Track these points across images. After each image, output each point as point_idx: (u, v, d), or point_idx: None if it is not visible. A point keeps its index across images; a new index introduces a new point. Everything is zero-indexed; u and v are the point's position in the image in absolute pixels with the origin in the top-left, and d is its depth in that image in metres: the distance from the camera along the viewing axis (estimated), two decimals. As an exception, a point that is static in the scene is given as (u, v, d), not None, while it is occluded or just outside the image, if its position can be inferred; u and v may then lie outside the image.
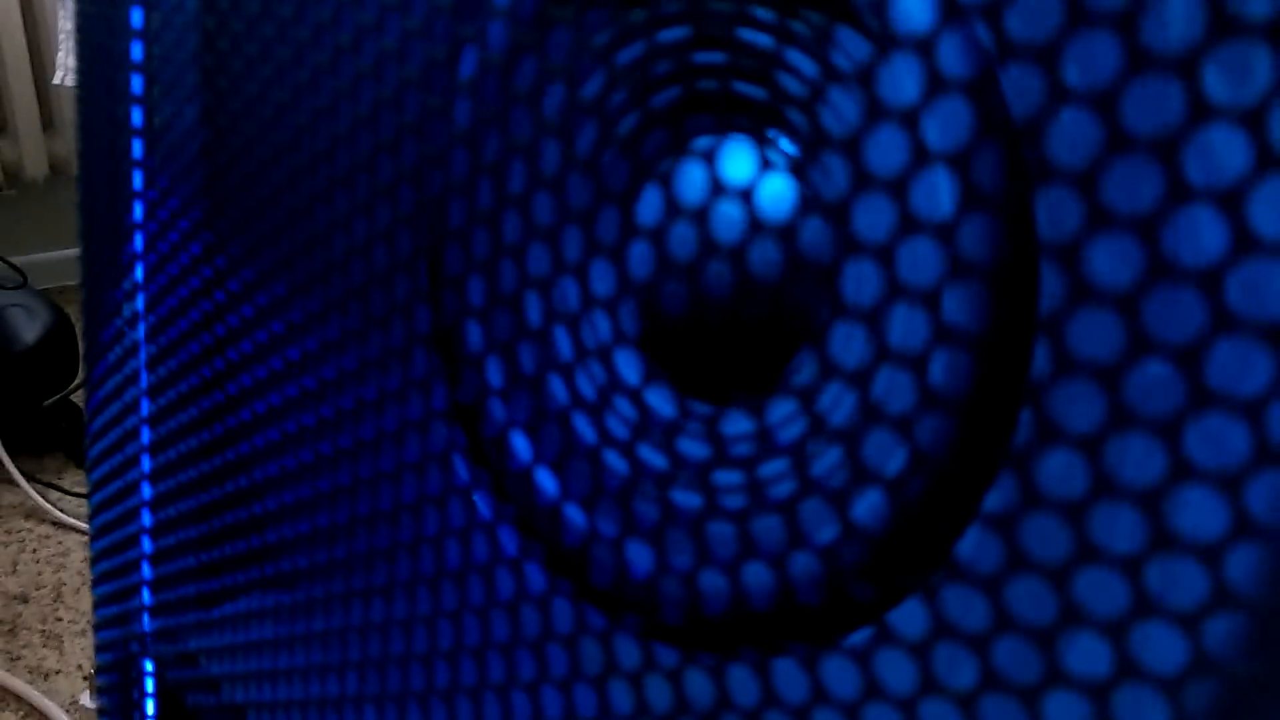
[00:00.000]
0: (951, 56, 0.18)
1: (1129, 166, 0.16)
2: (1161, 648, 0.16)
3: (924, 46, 0.18)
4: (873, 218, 0.19)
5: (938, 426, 0.19)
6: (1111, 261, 0.16)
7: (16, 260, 1.52)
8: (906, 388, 0.19)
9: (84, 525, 1.26)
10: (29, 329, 1.37)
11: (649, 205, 0.24)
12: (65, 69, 1.39)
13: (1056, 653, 0.17)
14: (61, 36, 1.39)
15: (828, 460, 0.21)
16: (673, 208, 0.23)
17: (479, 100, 0.27)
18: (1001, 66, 0.17)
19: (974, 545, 0.18)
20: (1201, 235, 0.15)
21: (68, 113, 1.75)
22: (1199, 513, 0.15)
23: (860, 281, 0.20)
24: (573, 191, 0.25)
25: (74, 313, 1.48)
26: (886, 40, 0.19)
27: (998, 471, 0.18)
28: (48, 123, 1.76)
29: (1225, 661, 0.15)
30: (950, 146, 0.18)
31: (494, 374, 0.26)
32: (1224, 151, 0.15)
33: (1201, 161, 0.15)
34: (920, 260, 0.19)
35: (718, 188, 0.23)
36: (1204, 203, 0.15)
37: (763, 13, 0.23)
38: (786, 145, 0.23)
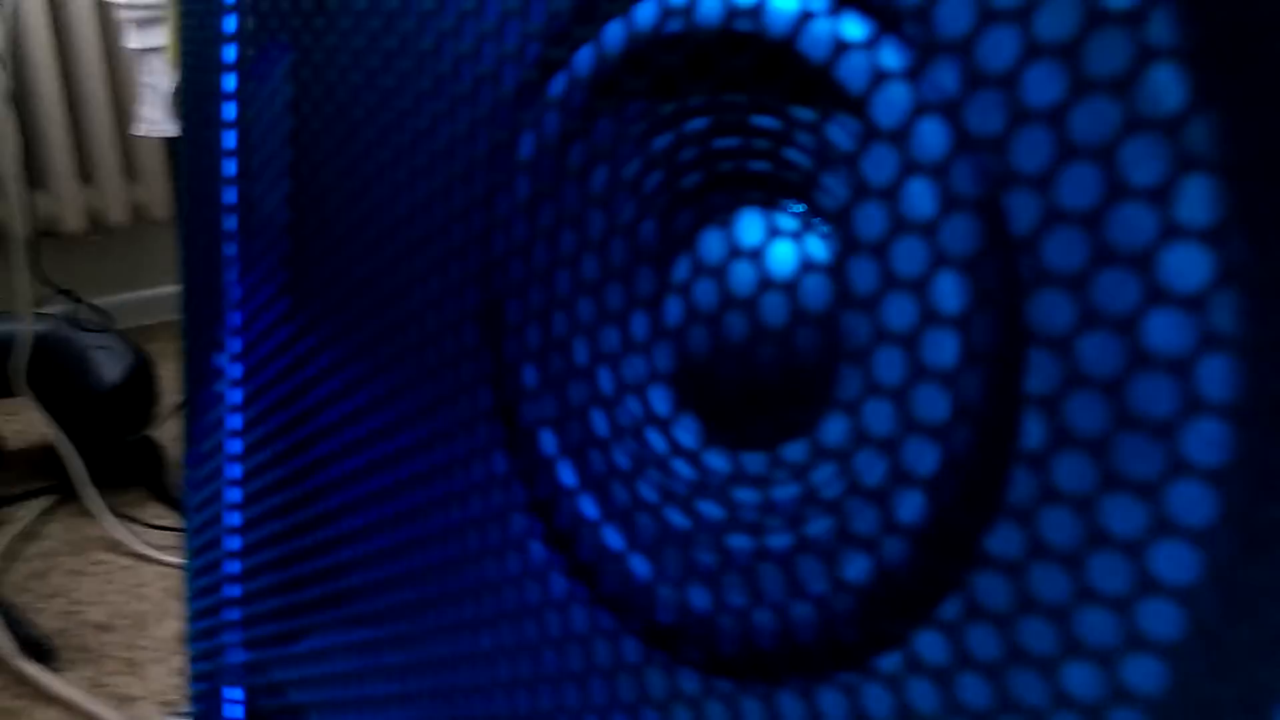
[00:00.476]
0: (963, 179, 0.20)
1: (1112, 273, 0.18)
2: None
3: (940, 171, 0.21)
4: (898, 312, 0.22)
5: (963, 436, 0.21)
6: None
7: (100, 302, 1.60)
8: (939, 398, 0.22)
9: (164, 557, 1.30)
10: (113, 369, 1.42)
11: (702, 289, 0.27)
12: (147, 120, 1.46)
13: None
14: (143, 90, 1.46)
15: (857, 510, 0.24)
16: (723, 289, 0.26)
17: (536, 176, 0.30)
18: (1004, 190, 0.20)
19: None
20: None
21: (148, 161, 1.83)
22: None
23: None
24: (618, 263, 0.28)
25: (154, 350, 1.55)
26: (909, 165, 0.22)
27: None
28: (130, 171, 1.84)
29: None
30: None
31: (549, 443, 0.29)
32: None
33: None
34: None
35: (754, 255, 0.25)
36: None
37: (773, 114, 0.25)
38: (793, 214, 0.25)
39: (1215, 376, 0.17)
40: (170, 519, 1.36)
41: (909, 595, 0.22)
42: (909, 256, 0.21)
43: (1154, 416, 0.17)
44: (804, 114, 0.25)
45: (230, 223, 0.43)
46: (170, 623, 1.20)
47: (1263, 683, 0.17)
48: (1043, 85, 0.19)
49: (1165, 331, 0.17)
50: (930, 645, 0.21)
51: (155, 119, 1.43)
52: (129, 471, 1.43)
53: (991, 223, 0.20)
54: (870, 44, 0.22)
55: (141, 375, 1.44)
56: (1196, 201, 0.17)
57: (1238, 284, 0.17)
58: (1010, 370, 0.20)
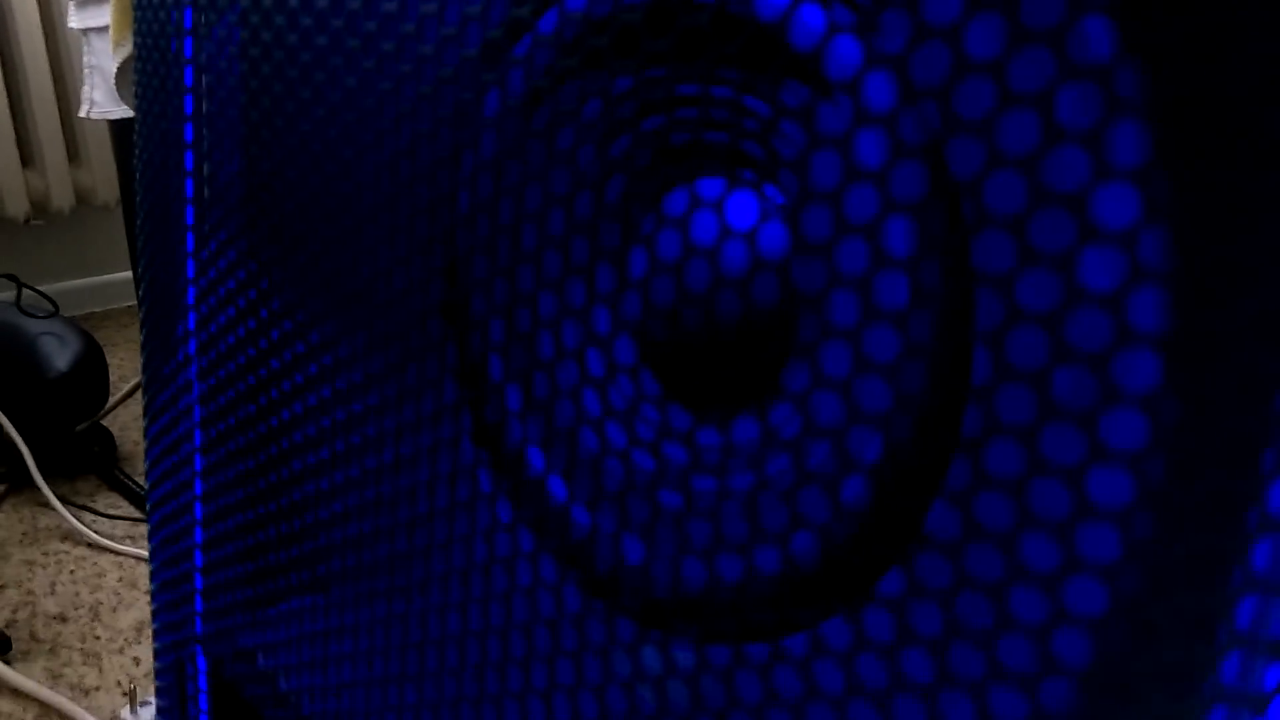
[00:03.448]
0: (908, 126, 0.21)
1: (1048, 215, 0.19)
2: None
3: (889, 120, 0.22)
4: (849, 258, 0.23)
5: (903, 422, 0.23)
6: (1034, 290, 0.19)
7: (46, 289, 1.57)
8: (882, 390, 0.23)
9: (118, 546, 1.29)
10: (61, 356, 1.41)
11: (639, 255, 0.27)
12: (90, 102, 1.43)
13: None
14: (86, 71, 1.43)
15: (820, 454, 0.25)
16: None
17: (501, 134, 0.30)
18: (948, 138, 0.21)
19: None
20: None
21: (92, 145, 1.80)
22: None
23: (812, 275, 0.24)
24: (579, 209, 0.29)
25: (102, 338, 1.52)
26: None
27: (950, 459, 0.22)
28: (73, 154, 1.81)
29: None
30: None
31: (514, 398, 0.29)
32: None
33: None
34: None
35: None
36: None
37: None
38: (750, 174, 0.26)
39: (1145, 308, 0.18)
40: (124, 508, 1.35)
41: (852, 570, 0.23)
42: (861, 203, 0.22)
43: (1088, 350, 0.18)
44: (758, 81, 0.26)
45: (187, 189, 0.43)
46: (127, 612, 1.19)
47: (1185, 660, 0.18)
48: (983, 39, 0.19)
49: (1098, 268, 0.18)
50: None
51: (99, 101, 1.41)
52: (80, 460, 1.42)
53: (936, 169, 0.21)
54: (824, 3, 0.23)
55: (90, 362, 1.42)
56: (1125, 144, 0.18)
57: (1164, 220, 0.18)
58: (959, 311, 0.21)
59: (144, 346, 0.48)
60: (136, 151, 0.47)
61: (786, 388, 0.26)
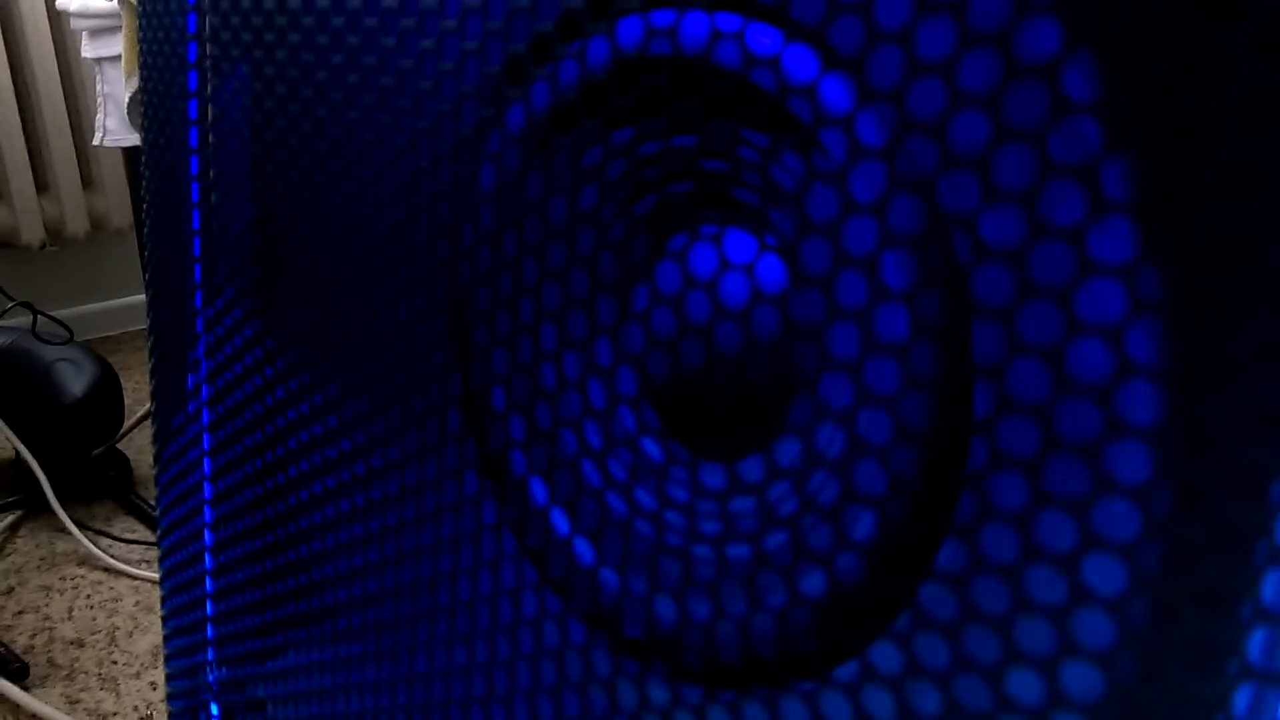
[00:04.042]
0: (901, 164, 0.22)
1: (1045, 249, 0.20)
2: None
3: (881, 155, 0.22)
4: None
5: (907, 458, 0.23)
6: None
7: (61, 314, 1.58)
8: (884, 423, 0.23)
9: (135, 570, 1.29)
10: (77, 382, 1.42)
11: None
12: (104, 130, 1.45)
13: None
14: (100, 99, 1.45)
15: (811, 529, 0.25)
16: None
17: (498, 207, 0.31)
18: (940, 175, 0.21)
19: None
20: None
21: (107, 172, 1.82)
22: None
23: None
24: (575, 283, 0.29)
25: (117, 362, 1.53)
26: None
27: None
28: (87, 181, 1.83)
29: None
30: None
31: (538, 491, 0.30)
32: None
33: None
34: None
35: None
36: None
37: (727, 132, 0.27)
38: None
39: (1143, 345, 0.18)
40: (140, 532, 1.35)
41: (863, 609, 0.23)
42: (859, 237, 0.22)
43: (1089, 380, 0.19)
44: (755, 139, 0.26)
45: (195, 247, 0.43)
46: (144, 637, 1.20)
47: (1198, 694, 0.18)
48: (976, 72, 0.20)
49: (1096, 304, 0.19)
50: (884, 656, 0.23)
51: (113, 129, 1.42)
52: (97, 485, 1.43)
53: (930, 205, 0.21)
54: (817, 78, 0.23)
55: (106, 387, 1.43)
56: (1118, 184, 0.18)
57: (1158, 257, 0.18)
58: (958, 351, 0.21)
59: (154, 394, 0.49)
60: (145, 218, 0.48)
61: (790, 423, 0.26)
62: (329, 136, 0.35)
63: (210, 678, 0.44)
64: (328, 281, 0.36)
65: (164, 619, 0.48)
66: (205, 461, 0.43)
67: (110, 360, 1.50)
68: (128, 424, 1.50)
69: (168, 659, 0.48)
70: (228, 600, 0.42)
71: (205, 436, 0.42)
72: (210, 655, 0.44)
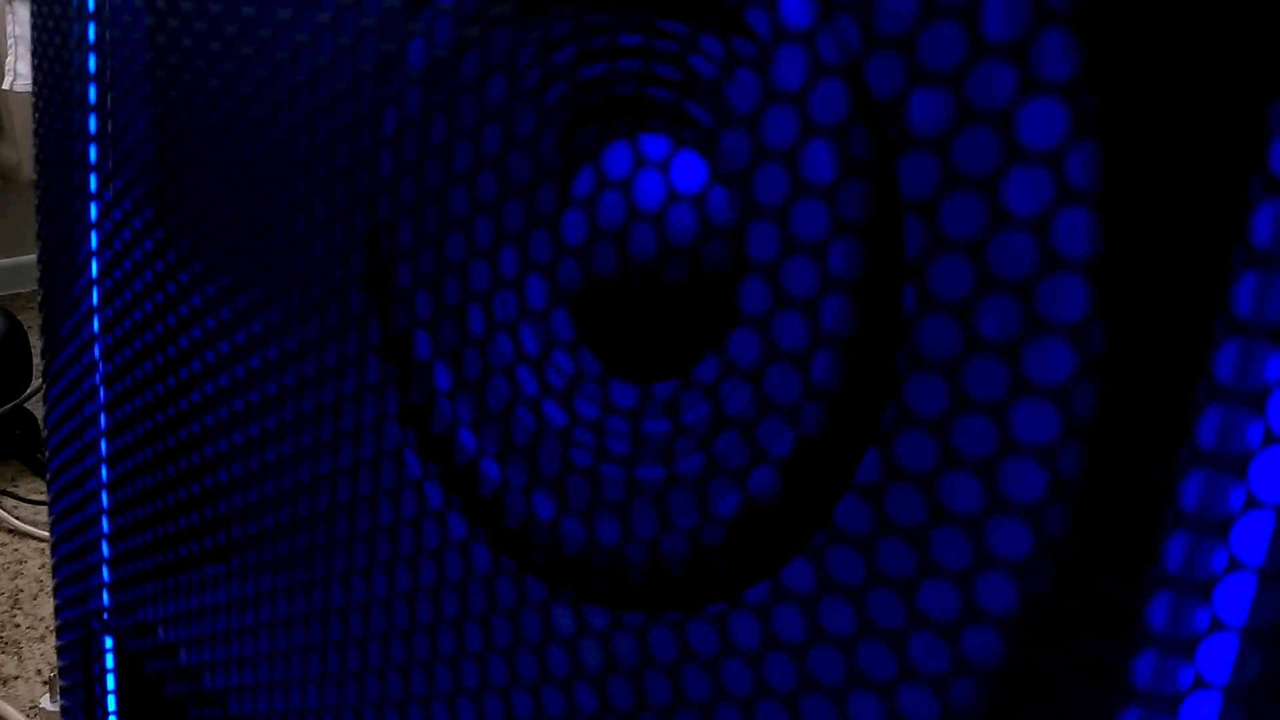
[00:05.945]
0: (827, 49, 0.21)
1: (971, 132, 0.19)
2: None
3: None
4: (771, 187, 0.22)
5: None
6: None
7: (-33, 269, 1.52)
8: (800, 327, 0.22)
9: (41, 532, 1.26)
10: (-19, 337, 1.37)
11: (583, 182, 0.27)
12: (14, 73, 1.39)
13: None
14: (11, 41, 1.39)
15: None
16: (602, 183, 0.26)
17: (427, 89, 0.29)
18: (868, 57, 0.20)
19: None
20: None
21: (18, 119, 1.74)
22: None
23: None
24: (513, 170, 0.28)
25: (26, 320, 1.48)
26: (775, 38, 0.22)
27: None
28: (-3, 130, 1.75)
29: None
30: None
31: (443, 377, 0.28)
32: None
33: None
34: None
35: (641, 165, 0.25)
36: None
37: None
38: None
39: (1073, 231, 0.18)
40: (46, 493, 1.31)
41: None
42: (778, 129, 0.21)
43: (1013, 276, 0.18)
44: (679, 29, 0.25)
45: (91, 154, 0.41)
46: (48, 600, 1.16)
47: (1114, 603, 0.18)
48: None
49: (1023, 190, 0.18)
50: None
51: (24, 73, 1.36)
52: (2, 444, 1.38)
53: (857, 90, 0.20)
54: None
55: (13, 344, 1.38)
56: (1054, 59, 0.18)
57: (1091, 137, 0.17)
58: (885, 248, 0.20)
59: (44, 324, 0.46)
60: (35, 117, 0.45)
61: (710, 343, 0.25)
62: (239, 16, 0.33)
63: (103, 602, 0.42)
64: (237, 181, 0.34)
65: (54, 545, 0.46)
66: (99, 365, 0.41)
67: (20, 317, 1.45)
68: (35, 383, 1.45)
69: (57, 589, 0.46)
70: (122, 516, 0.40)
71: (100, 365, 0.40)
72: (104, 577, 0.42)
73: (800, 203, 0.21)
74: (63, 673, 0.47)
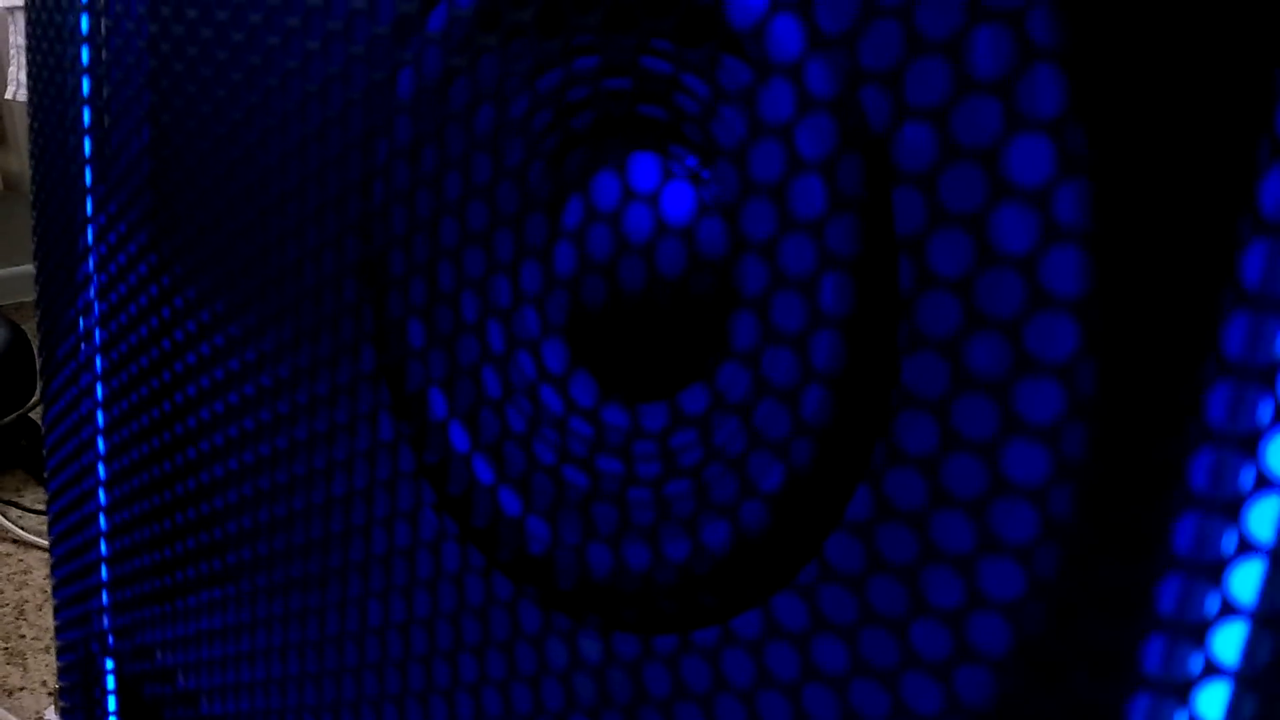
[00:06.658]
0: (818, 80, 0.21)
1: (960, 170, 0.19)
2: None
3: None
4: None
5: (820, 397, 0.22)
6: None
7: (-30, 278, 1.52)
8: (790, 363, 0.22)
9: (45, 542, 1.26)
10: (-15, 347, 1.37)
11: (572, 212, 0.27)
12: (18, 83, 1.39)
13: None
14: (14, 51, 1.39)
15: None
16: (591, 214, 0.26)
17: (417, 118, 0.29)
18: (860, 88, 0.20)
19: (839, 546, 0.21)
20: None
21: (21, 128, 1.75)
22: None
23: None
24: (503, 200, 0.28)
25: (30, 330, 1.48)
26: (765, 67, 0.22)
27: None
28: (1, 138, 1.75)
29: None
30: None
31: (439, 406, 0.28)
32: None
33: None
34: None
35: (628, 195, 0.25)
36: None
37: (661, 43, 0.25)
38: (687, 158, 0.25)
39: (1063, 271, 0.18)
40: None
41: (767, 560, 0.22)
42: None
43: (1003, 314, 0.18)
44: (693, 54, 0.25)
45: (86, 177, 0.41)
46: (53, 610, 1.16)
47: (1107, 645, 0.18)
48: None
49: (1012, 227, 0.18)
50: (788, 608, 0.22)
51: (27, 82, 1.37)
52: (6, 454, 1.38)
53: (849, 122, 0.20)
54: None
55: (16, 353, 1.38)
56: (1042, 95, 0.18)
57: (1080, 174, 0.17)
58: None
59: (41, 345, 0.46)
60: (31, 139, 0.45)
61: (704, 365, 0.25)
62: (230, 43, 0.33)
63: (103, 625, 0.42)
64: (231, 208, 0.34)
65: (53, 566, 0.46)
66: (98, 387, 0.40)
67: (24, 327, 1.45)
68: (40, 392, 1.45)
69: (57, 610, 0.46)
70: (121, 539, 0.40)
71: (99, 386, 0.40)
72: (103, 600, 0.42)
73: (790, 237, 0.21)
74: (63, 693, 0.47)
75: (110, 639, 0.42)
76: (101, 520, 0.41)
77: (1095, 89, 0.18)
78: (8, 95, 1.36)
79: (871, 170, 0.21)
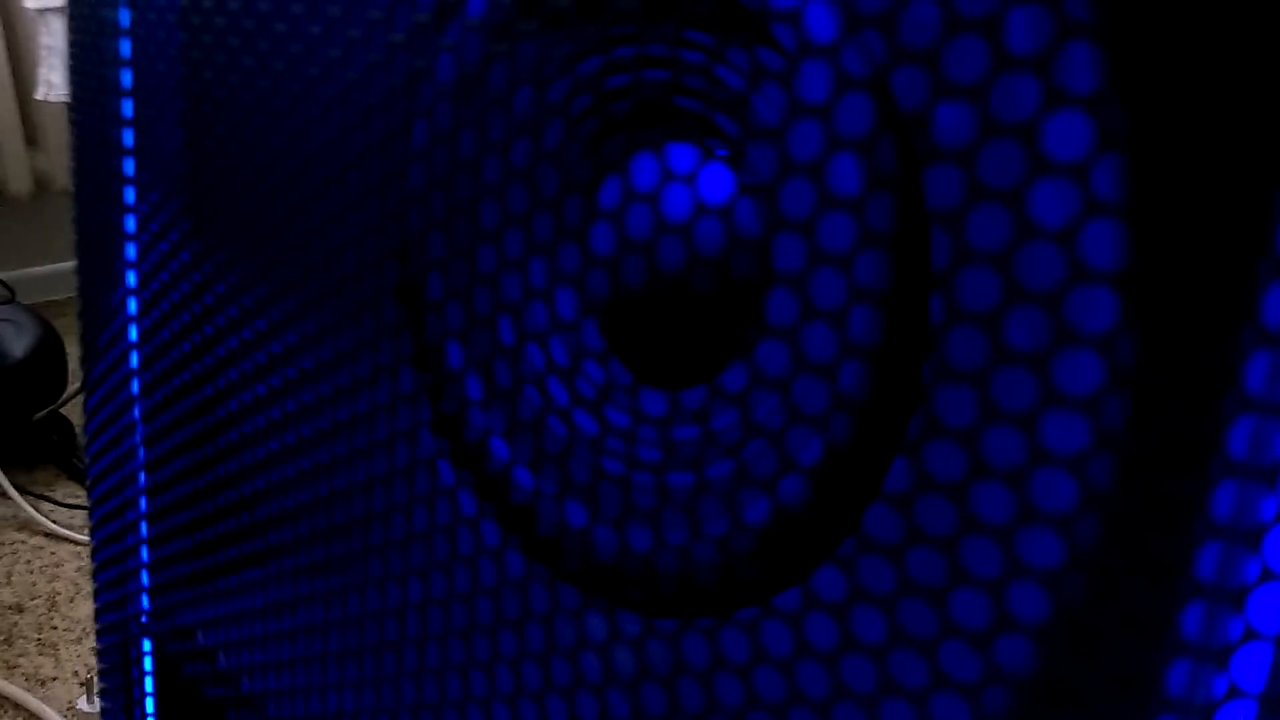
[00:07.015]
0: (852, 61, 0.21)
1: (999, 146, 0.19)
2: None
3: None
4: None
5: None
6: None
7: (3, 276, 1.54)
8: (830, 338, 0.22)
9: (77, 536, 1.27)
10: (17, 344, 1.39)
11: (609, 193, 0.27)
12: (48, 84, 1.41)
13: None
14: (44, 52, 1.41)
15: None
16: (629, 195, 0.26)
17: (455, 104, 0.29)
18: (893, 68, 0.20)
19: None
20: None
21: (51, 128, 1.76)
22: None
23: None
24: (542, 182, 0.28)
25: (61, 326, 1.50)
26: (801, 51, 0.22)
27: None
28: (31, 138, 1.77)
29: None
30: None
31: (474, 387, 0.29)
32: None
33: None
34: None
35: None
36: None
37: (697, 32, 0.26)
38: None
39: (1101, 244, 0.18)
40: (82, 497, 1.33)
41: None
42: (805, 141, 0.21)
43: (1041, 288, 0.18)
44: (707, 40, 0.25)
45: (127, 167, 0.42)
46: (85, 602, 1.18)
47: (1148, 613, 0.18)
48: None
49: (1050, 202, 0.18)
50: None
51: (57, 83, 1.38)
52: (38, 449, 1.40)
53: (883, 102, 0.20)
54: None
55: (48, 350, 1.40)
56: (1078, 71, 0.18)
57: (1117, 149, 0.17)
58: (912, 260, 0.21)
59: (82, 334, 0.47)
60: (71, 131, 0.46)
61: (737, 348, 0.25)
62: (270, 31, 0.34)
63: (143, 606, 0.43)
64: (269, 197, 0.35)
65: (94, 550, 0.47)
66: (136, 377, 0.41)
67: (54, 323, 1.47)
68: (71, 387, 1.47)
69: (97, 593, 0.47)
70: (161, 521, 0.41)
71: (137, 375, 0.41)
72: (143, 581, 0.43)
73: (827, 215, 0.21)
74: (102, 675, 0.48)
75: (150, 620, 0.43)
76: (142, 502, 0.42)
77: (1132, 63, 0.18)
78: (37, 96, 1.38)
79: (903, 149, 0.21)
